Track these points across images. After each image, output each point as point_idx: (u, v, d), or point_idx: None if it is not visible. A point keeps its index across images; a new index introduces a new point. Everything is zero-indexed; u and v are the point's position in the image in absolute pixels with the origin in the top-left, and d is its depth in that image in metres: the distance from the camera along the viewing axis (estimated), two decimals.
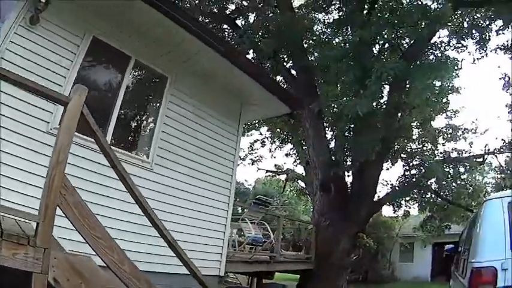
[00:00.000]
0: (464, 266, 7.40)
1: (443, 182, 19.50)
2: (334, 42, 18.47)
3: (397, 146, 20.38)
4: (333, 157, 17.00)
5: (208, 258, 9.02)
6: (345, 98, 14.56)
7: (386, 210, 29.55)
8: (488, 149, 21.15)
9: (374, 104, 13.44)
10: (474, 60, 18.52)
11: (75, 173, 5.30)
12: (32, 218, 3.50)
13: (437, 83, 15.45)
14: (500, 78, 18.92)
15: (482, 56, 18.42)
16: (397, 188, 19.62)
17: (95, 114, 4.10)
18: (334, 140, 18.67)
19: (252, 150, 26.21)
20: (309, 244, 16.39)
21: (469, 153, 21.49)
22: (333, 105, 16.16)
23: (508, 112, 20.35)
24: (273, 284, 12.62)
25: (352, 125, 15.92)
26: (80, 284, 3.69)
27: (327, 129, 18.64)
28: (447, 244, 27.17)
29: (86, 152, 6.50)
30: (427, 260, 31.41)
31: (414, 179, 19.12)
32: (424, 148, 21.48)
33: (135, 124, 8.95)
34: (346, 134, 16.78)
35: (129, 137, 8.74)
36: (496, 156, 21.74)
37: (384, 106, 16.83)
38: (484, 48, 18.08)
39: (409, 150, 21.44)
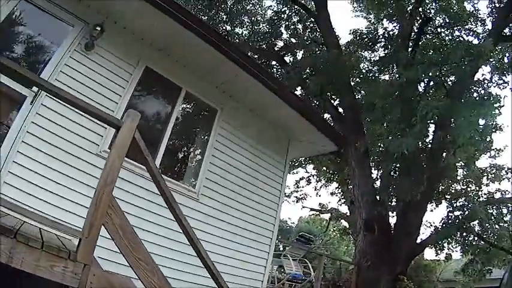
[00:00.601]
0: None
1: (486, 224, 18.99)
2: (380, 79, 18.46)
3: (441, 186, 19.91)
4: (377, 196, 16.73)
5: None
6: (390, 137, 14.36)
7: (429, 253, 28.93)
8: None
9: (419, 143, 13.20)
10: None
11: (122, 197, 5.37)
12: (75, 233, 3.54)
13: (481, 121, 15.16)
14: None
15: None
16: (440, 230, 19.17)
17: (144, 142, 4.18)
18: (379, 180, 18.40)
19: (298, 187, 25.94)
20: (349, 285, 16.03)
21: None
22: (378, 144, 16.02)
23: None
24: None
25: (398, 165, 15.74)
26: None
27: (372, 168, 18.41)
28: None
29: (134, 177, 6.63)
30: None
31: (457, 221, 18.63)
32: (468, 189, 20.87)
33: (183, 155, 9.03)
34: (392, 173, 16.59)
35: (177, 167, 8.79)
36: None
37: (429, 145, 16.69)
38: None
39: (453, 191, 20.89)
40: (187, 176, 8.60)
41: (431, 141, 16.65)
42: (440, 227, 19.06)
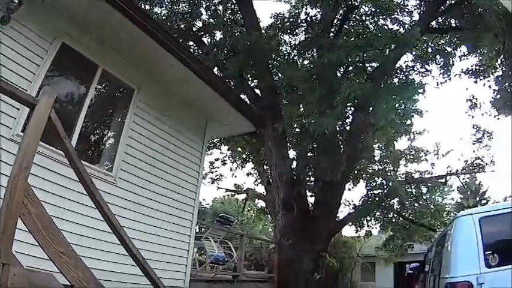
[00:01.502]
0: (435, 283, 7.30)
1: (406, 202, 19.67)
2: (299, 63, 18.50)
3: (359, 166, 20.45)
4: (295, 176, 16.84)
5: (172, 276, 8.60)
6: (310, 118, 14.38)
7: (347, 231, 29.75)
8: (451, 170, 21.67)
9: (339, 123, 13.34)
10: (438, 84, 18.91)
11: (39, 185, 4.91)
12: None
13: (402, 106, 15.53)
14: (467, 100, 19.69)
15: (446, 81, 18.88)
16: (359, 208, 19.61)
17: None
18: (296, 160, 18.49)
19: (213, 168, 25.85)
20: (272, 264, 16.04)
21: (431, 174, 22.13)
22: (296, 125, 16.08)
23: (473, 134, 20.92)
24: None
25: (316, 145, 15.85)
26: None
27: (289, 149, 18.56)
28: (409, 263, 27.49)
29: (51, 163, 6.13)
30: (390, 279, 31.63)
31: (377, 199, 19.12)
32: (387, 169, 21.59)
33: (98, 137, 8.54)
34: (310, 153, 16.75)
35: (92, 151, 8.32)
36: (458, 177, 22.15)
37: (348, 127, 16.94)
38: (448, 73, 18.57)
39: (371, 171, 21.54)
40: (103, 160, 8.10)
41: (350, 123, 16.94)
42: (359, 205, 19.55)
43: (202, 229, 12.56)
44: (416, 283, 23.90)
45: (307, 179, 17.24)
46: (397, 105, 14.70)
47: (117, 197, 7.45)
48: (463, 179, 23.88)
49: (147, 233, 7.99)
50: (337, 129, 15.53)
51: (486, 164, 21.47)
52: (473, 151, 21.40)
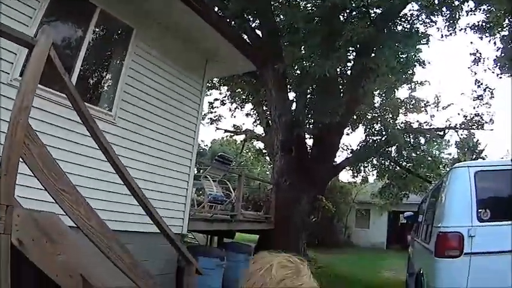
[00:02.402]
0: (428, 232, 7.42)
1: (404, 151, 19.75)
2: (302, 6, 18.12)
3: (359, 112, 20.49)
4: (294, 118, 16.84)
5: (172, 215, 8.74)
6: (311, 60, 14.25)
7: (344, 176, 30.00)
8: (450, 124, 21.91)
9: (340, 67, 13.23)
10: (442, 36, 18.39)
11: (40, 128, 4.89)
12: None
13: (404, 54, 15.33)
14: (471, 54, 19.10)
15: (451, 34, 18.27)
16: (357, 152, 19.72)
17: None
18: (296, 102, 18.49)
19: (212, 109, 25.76)
20: (269, 204, 16.28)
21: (430, 126, 22.13)
22: (297, 66, 15.94)
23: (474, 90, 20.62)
24: (238, 243, 12.32)
25: (316, 88, 15.77)
26: (45, 245, 3.36)
27: (290, 92, 18.52)
28: (403, 213, 27.81)
29: (52, 105, 6.14)
30: (383, 227, 32.30)
31: (375, 145, 19.20)
32: (386, 117, 21.45)
33: (98, 79, 8.35)
34: (310, 96, 16.70)
35: (92, 92, 8.15)
36: (456, 131, 22.15)
37: (349, 72, 16.90)
38: (454, 26, 17.98)
39: (370, 117, 21.59)
40: (103, 101, 8.02)
41: (351, 68, 16.81)
42: (357, 149, 19.65)
43: (201, 170, 12.57)
44: (409, 232, 24.39)
45: (307, 121, 17.18)
46: (399, 52, 14.50)
47: (117, 136, 7.49)
48: (461, 134, 23.77)
49: (146, 171, 8.07)
50: (338, 72, 15.40)
51: (485, 122, 21.44)
52: (474, 107, 21.25)
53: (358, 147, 20.20)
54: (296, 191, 16.08)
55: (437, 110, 23.74)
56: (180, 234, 9.01)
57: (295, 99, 18.73)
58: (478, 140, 29.52)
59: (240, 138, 30.19)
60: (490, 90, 20.51)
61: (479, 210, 5.88)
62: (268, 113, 19.08)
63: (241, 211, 13.27)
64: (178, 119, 9.21)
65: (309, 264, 1.60)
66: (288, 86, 17.67)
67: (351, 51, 15.32)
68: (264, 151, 27.04)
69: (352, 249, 27.78)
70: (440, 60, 66.85)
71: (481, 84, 20.41)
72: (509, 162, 6.52)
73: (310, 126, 17.61)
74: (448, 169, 8.15)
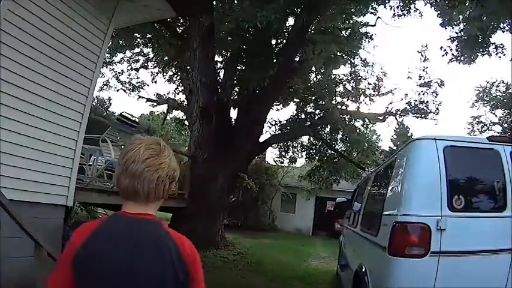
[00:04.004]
0: (374, 221, 5.96)
1: (338, 133, 18.67)
2: None
3: (293, 87, 19.15)
4: (220, 82, 15.67)
5: (51, 182, 7.17)
6: (243, 12, 12.69)
7: (270, 158, 29.31)
8: (391, 109, 20.84)
9: (276, 21, 11.60)
10: (395, 15, 17.15)
11: None
12: None
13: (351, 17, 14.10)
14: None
15: (404, 14, 17.12)
16: (288, 127, 18.38)
17: None
18: (223, 65, 17.41)
19: (131, 70, 24.21)
20: (183, 179, 14.52)
21: (369, 110, 21.40)
22: (227, 22, 14.39)
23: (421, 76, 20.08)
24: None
25: (246, 48, 14.27)
26: None
27: (217, 56, 17.11)
28: (331, 200, 27.34)
29: None
30: (310, 213, 32.12)
31: (308, 121, 17.89)
32: (322, 91, 19.80)
33: None
34: (238, 59, 15.21)
35: None
36: (396, 118, 21.11)
37: (287, 34, 15.74)
38: (407, 8, 16.95)
39: (304, 91, 20.06)
40: None
41: (290, 28, 15.62)
42: (287, 124, 18.53)
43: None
44: (336, 220, 23.69)
45: (232, 85, 15.63)
46: (345, 14, 13.20)
47: None
48: (401, 122, 22.75)
49: (19, 121, 6.49)
50: (274, 31, 13.81)
51: (430, 111, 20.45)
52: (419, 93, 20.27)
53: (288, 123, 18.81)
54: (215, 166, 14.63)
55: (378, 95, 21.97)
56: (64, 206, 7.53)
57: (222, 63, 17.50)
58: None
59: (163, 108, 28.38)
60: (440, 80, 20.08)
61: (452, 196, 4.51)
62: (190, 77, 17.28)
63: None
64: (71, 61, 7.46)
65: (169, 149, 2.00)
66: (215, 47, 15.89)
67: (291, 6, 13.74)
68: (185, 122, 25.26)
69: (276, 234, 27.05)
70: (388, 45, 67.25)
71: (427, 71, 20.03)
72: (485, 140, 5.08)
73: (235, 93, 16.05)
74: (405, 142, 6.60)
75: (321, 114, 17.95)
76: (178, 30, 19.00)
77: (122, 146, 10.67)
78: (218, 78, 16.13)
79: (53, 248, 5.30)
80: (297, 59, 16.69)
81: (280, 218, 31.19)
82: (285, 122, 19.83)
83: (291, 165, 27.00)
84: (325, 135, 19.74)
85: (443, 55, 16.72)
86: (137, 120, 10.84)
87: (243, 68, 15.19)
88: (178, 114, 26.06)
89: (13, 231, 4.89)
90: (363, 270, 5.77)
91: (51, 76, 7.04)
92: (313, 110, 19.36)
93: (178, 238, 1.91)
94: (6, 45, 6.10)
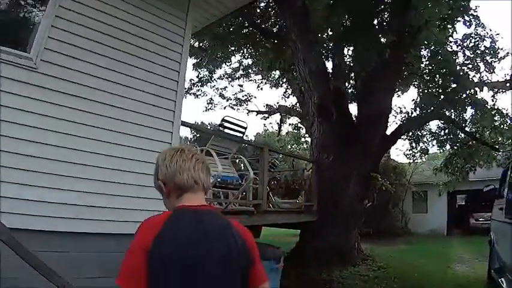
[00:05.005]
0: None
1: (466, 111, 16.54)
2: None
3: (410, 62, 16.43)
4: (332, 69, 14.35)
5: (146, 207, 5.72)
6: None
7: (395, 154, 27.25)
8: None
9: None
10: None
11: None
12: None
13: None
14: None
15: None
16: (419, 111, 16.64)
17: None
18: (329, 49, 15.57)
19: (233, 79, 23.48)
20: (309, 189, 12.99)
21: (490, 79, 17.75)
22: None
23: None
24: (261, 245, 8.91)
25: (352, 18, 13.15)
26: None
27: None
28: (461, 194, 24.71)
29: None
30: (443, 211, 29.10)
31: (437, 101, 15.56)
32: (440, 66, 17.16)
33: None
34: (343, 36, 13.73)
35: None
36: None
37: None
38: None
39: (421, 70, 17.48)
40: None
41: None
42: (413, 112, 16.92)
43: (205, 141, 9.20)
44: (470, 215, 21.43)
45: (345, 73, 13.92)
46: None
47: (38, 87, 5.20)
48: None
49: (91, 138, 5.65)
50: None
51: None
52: None
53: (413, 109, 17.04)
54: (343, 168, 12.74)
55: (498, 59, 18.01)
56: None
57: (328, 52, 15.67)
58: None
59: (275, 119, 27.18)
60: None
61: None
62: (295, 72, 15.74)
63: (273, 198, 10.89)
64: (151, 66, 6.62)
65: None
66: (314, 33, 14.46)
67: None
68: (302, 128, 23.67)
69: (411, 238, 24.66)
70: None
71: None
72: None
73: (351, 80, 14.57)
74: None
75: (451, 89, 15.60)
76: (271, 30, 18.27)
77: (235, 159, 9.19)
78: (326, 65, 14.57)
79: None
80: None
81: (412, 220, 28.73)
82: (413, 107, 17.51)
83: (421, 159, 24.16)
84: (455, 115, 17.09)
85: None
86: (244, 124, 9.10)
87: (352, 47, 13.85)
88: (293, 121, 25.26)
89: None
90: None
91: (135, 72, 6.33)
92: (443, 80, 16.35)
93: (240, 227, 2.18)
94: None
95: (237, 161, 12.16)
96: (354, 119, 14.75)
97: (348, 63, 14.36)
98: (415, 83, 18.08)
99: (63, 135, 5.25)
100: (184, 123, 7.21)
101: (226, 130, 8.85)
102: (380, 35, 13.60)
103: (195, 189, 2.11)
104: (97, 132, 5.64)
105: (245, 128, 8.97)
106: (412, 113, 17.34)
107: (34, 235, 4.62)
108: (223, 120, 8.72)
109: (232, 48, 19.71)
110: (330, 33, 15.69)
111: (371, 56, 11.81)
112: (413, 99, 17.52)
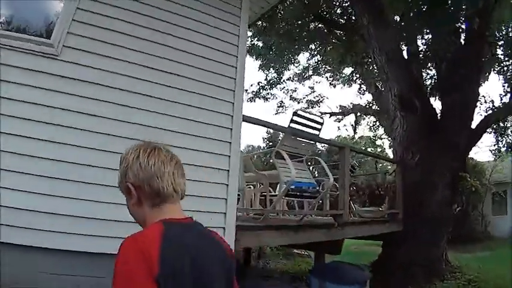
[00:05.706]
0: None
1: None
2: None
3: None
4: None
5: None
6: None
7: (474, 153, 26.07)
8: None
9: None
10: None
11: None
12: None
13: None
14: None
15: None
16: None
17: None
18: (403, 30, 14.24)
19: (304, 79, 22.63)
20: (393, 195, 11.55)
21: None
22: None
23: None
24: (344, 266, 7.59)
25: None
26: None
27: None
28: None
29: None
30: None
31: None
32: None
33: None
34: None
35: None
36: None
37: None
38: None
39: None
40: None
41: None
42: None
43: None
44: None
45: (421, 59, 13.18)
46: None
47: (62, 77, 4.59)
48: None
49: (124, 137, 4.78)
50: None
51: None
52: None
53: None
54: (431, 168, 11.26)
55: None
56: None
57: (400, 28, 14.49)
58: None
59: (350, 120, 26.32)
60: None
61: None
62: (370, 61, 15.05)
63: (353, 207, 9.57)
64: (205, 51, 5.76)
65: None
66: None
67: None
68: (378, 126, 22.53)
69: (492, 243, 22.30)
70: None
71: None
72: None
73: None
74: None
75: None
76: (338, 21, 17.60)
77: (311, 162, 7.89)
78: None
79: None
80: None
81: (492, 223, 26.29)
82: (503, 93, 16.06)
83: (507, 154, 22.80)
84: None
85: None
86: (321, 120, 7.71)
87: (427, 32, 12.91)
88: (369, 121, 24.30)
89: None
90: None
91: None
92: None
93: (222, 238, 2.02)
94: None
95: (310, 167, 11.01)
96: (438, 109, 13.08)
97: (423, 51, 13.39)
98: (496, 68, 16.63)
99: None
100: (246, 119, 6.01)
101: (298, 127, 7.47)
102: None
103: (174, 199, 1.87)
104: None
105: (321, 124, 7.58)
106: (501, 99, 15.97)
107: None
108: (294, 114, 7.32)
109: (299, 45, 18.91)
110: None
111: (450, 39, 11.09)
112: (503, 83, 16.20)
